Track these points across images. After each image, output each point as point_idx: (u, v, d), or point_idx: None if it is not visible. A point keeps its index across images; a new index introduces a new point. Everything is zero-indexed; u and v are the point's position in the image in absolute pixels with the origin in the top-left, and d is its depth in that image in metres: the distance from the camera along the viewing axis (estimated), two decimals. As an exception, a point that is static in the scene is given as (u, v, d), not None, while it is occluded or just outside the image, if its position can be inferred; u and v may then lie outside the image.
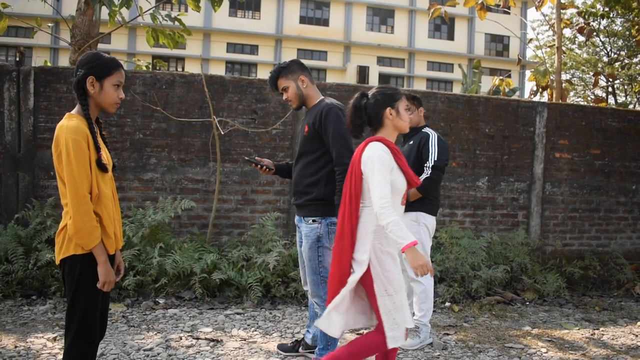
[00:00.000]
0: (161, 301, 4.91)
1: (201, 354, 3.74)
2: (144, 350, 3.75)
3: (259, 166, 3.57)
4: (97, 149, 2.38)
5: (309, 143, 3.35)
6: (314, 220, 3.29)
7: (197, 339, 4.03)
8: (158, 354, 3.69)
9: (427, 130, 4.42)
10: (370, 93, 2.83)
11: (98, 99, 2.41)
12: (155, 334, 4.12)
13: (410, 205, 4.24)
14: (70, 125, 2.31)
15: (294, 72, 3.43)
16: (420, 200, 4.23)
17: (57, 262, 2.40)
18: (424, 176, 4.19)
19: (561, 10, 9.45)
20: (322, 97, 3.47)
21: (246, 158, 3.62)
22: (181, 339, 4.03)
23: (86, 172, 2.30)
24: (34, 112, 5.54)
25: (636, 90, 14.48)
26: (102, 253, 2.35)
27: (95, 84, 2.38)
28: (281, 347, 3.85)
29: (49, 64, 10.70)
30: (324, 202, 3.30)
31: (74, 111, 2.43)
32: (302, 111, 6.46)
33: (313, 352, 3.66)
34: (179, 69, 30.98)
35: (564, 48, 13.67)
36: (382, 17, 37.58)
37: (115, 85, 2.43)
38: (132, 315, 4.56)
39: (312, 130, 3.32)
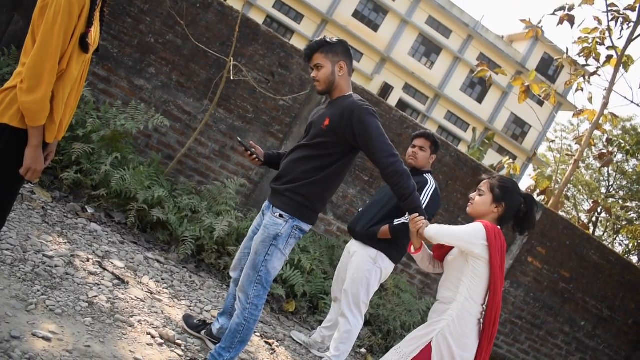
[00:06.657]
0: (89, 211, 4.50)
1: (98, 288, 3.33)
2: (44, 255, 3.33)
3: (248, 152, 3.16)
4: (89, 24, 1.99)
5: (323, 137, 2.91)
6: (280, 216, 2.90)
7: (104, 269, 3.61)
8: (55, 266, 3.27)
9: (428, 177, 4.10)
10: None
11: None
12: (65, 243, 3.70)
13: (376, 242, 3.95)
14: None
15: (337, 53, 2.96)
16: (387, 241, 3.94)
17: None
18: (403, 220, 3.90)
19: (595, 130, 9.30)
20: (351, 92, 3.03)
21: (239, 139, 3.16)
22: (88, 261, 3.61)
23: (65, 42, 1.92)
24: (58, -37, 5.07)
25: (624, 232, 14.58)
26: (39, 136, 1.98)
27: None
28: (186, 319, 3.47)
29: None
30: (301, 200, 2.90)
31: None
32: (315, 96, 6.13)
33: (214, 343, 3.32)
34: (221, -1, 30.21)
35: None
36: (428, 49, 37.38)
37: None
38: (52, 211, 4.13)
39: (334, 125, 2.87)
